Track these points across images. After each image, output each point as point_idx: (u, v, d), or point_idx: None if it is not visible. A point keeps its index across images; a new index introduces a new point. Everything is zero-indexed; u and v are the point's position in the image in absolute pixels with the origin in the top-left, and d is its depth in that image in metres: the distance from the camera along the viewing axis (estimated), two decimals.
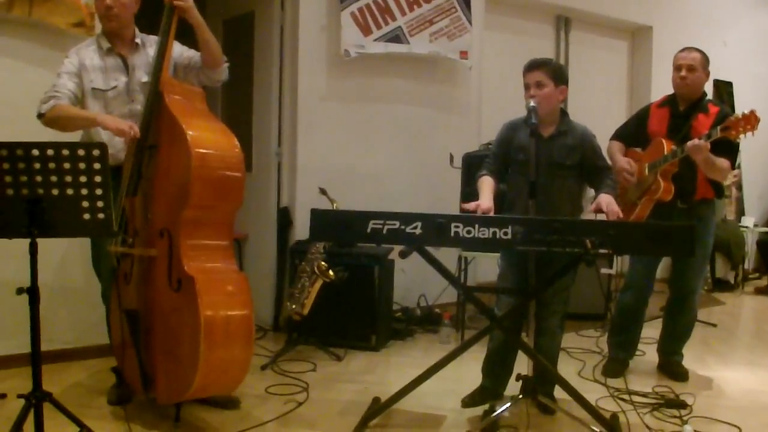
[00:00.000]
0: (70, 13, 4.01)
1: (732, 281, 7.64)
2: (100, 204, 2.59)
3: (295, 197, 5.14)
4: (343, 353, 4.51)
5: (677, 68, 4.01)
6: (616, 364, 4.21)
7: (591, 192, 3.60)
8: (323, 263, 4.32)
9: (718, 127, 3.59)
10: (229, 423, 3.28)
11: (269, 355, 4.35)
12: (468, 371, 3.79)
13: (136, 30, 3.52)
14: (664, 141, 3.92)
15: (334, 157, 5.23)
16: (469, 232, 2.93)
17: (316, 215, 3.10)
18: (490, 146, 3.96)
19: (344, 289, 4.56)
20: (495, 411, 3.19)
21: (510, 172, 3.56)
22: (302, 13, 5.07)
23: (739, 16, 8.38)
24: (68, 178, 2.55)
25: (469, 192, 5.03)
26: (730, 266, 7.61)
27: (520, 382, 3.20)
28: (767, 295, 7.41)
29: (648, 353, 4.52)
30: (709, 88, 4.71)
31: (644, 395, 3.77)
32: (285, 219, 5.16)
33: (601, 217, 3.21)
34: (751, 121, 3.50)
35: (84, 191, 2.57)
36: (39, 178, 2.54)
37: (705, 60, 4.00)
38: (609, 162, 3.78)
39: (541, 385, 3.31)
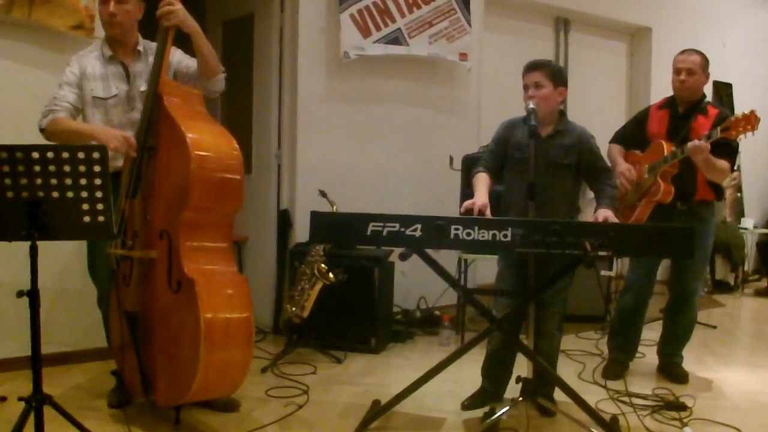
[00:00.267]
0: (70, 15, 4.01)
1: (732, 283, 7.63)
2: (100, 206, 2.59)
3: (294, 199, 5.14)
4: (343, 356, 4.50)
5: (677, 71, 4.02)
6: (616, 366, 4.21)
7: (590, 193, 3.60)
8: (323, 265, 4.32)
9: (719, 128, 3.59)
10: (229, 426, 3.28)
11: (269, 358, 4.36)
12: (468, 373, 3.79)
13: (139, 37, 3.51)
14: (663, 143, 3.92)
15: (333, 159, 5.23)
16: (468, 234, 2.93)
17: (316, 217, 3.10)
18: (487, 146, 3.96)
19: (344, 291, 4.56)
20: (495, 413, 3.19)
21: (507, 171, 3.56)
22: (302, 15, 5.07)
23: (739, 17, 8.38)
24: (68, 181, 2.55)
25: (469, 194, 5.03)
26: (730, 268, 7.61)
27: (520, 384, 3.20)
28: (767, 296, 7.41)
29: (648, 355, 4.52)
30: (708, 89, 4.72)
31: (644, 397, 3.77)
32: (285, 221, 5.16)
33: None
34: (751, 121, 3.50)
35: (84, 194, 2.57)
36: (39, 181, 2.54)
37: (705, 62, 4.01)
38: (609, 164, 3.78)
39: (541, 387, 3.31)
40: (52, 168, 2.53)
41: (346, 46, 5.12)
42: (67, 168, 2.53)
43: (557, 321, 3.52)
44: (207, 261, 3.10)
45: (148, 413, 3.33)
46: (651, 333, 4.60)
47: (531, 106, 3.25)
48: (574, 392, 3.19)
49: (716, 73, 7.05)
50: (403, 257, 3.06)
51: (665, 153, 3.86)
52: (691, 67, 3.97)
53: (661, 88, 4.42)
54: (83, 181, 2.55)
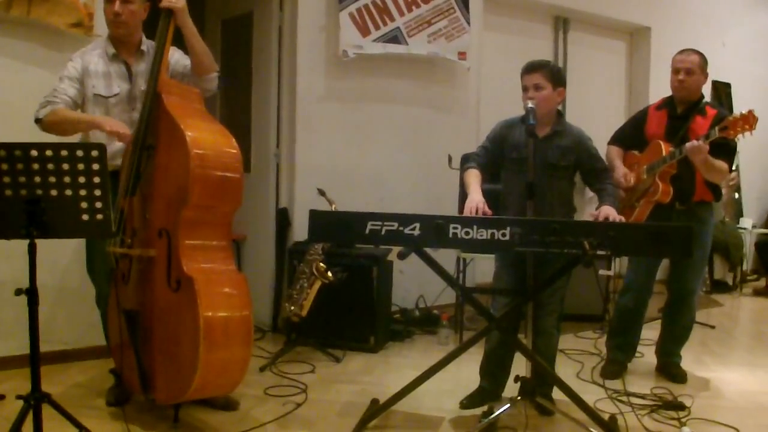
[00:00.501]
0: (69, 13, 4.00)
1: (730, 283, 7.64)
2: (98, 205, 2.59)
3: (293, 198, 5.14)
4: (341, 354, 4.51)
5: (675, 71, 4.02)
6: (615, 366, 4.21)
7: (589, 192, 3.60)
8: (322, 264, 4.32)
9: (717, 128, 3.60)
10: (228, 424, 3.28)
11: (268, 356, 4.36)
12: (466, 372, 3.79)
13: (143, 37, 3.51)
14: (662, 143, 3.93)
15: (332, 158, 5.23)
16: (467, 233, 2.93)
17: (315, 216, 3.10)
18: None
19: (343, 290, 4.57)
20: (493, 412, 3.19)
21: (504, 171, 3.56)
22: (301, 14, 5.07)
23: (738, 17, 8.39)
24: (67, 179, 2.55)
25: (463, 191, 5.04)
26: (729, 268, 7.61)
27: (519, 383, 3.21)
28: (765, 296, 7.42)
29: (646, 355, 4.52)
30: (707, 89, 4.72)
31: (642, 397, 3.77)
32: (283, 220, 5.16)
33: None
34: (749, 120, 3.50)
35: (83, 192, 2.56)
36: (38, 179, 2.54)
37: (703, 62, 4.01)
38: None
39: (540, 386, 3.31)
40: (50, 166, 2.53)
41: (345, 45, 5.12)
42: (65, 166, 2.53)
43: (555, 319, 3.53)
44: (206, 259, 3.10)
45: (147, 412, 3.33)
46: (650, 332, 4.60)
47: (530, 105, 3.25)
48: (572, 391, 3.19)
49: (715, 73, 7.05)
50: (401, 256, 3.06)
51: (663, 153, 3.86)
52: (690, 67, 3.97)
53: (661, 87, 4.42)
54: (82, 180, 2.55)
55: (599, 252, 2.85)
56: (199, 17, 5.67)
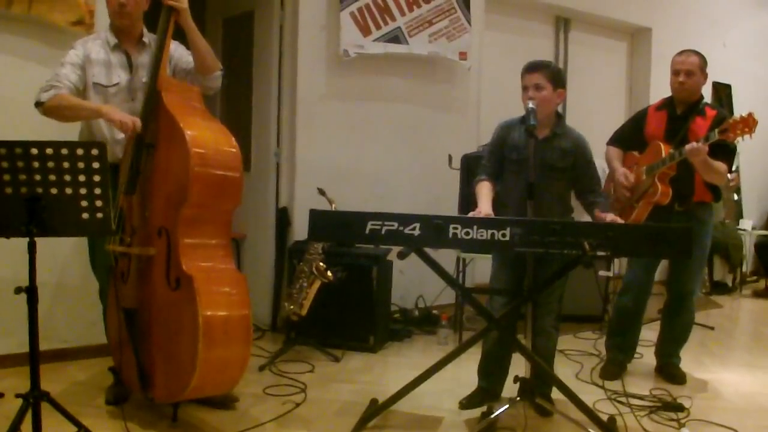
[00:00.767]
0: (70, 11, 4.00)
1: (730, 284, 7.65)
2: (98, 203, 2.58)
3: (293, 197, 5.14)
4: (341, 354, 4.51)
5: (675, 73, 4.01)
6: (614, 367, 4.21)
7: None
8: (321, 264, 4.32)
9: (716, 130, 3.59)
10: (227, 423, 3.28)
11: (267, 356, 4.36)
12: (466, 372, 3.79)
13: (144, 29, 3.51)
14: (661, 144, 3.93)
15: (333, 157, 5.23)
16: (467, 233, 2.93)
17: (315, 215, 3.10)
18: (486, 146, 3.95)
19: (342, 289, 4.57)
20: (493, 413, 3.19)
21: (504, 171, 3.57)
22: (302, 13, 5.07)
23: (739, 18, 8.38)
24: (67, 177, 2.54)
25: (468, 193, 5.04)
26: (728, 269, 7.62)
27: (518, 383, 3.21)
28: (765, 297, 7.43)
29: (645, 356, 4.52)
30: (708, 90, 4.72)
31: (642, 398, 3.77)
32: (283, 219, 5.15)
33: None
34: (748, 123, 3.50)
35: (83, 190, 2.56)
36: (38, 177, 2.53)
37: (703, 63, 4.00)
38: (606, 167, 3.78)
39: (539, 386, 3.31)
40: (50, 164, 2.53)
41: (346, 44, 5.12)
42: (65, 164, 2.53)
43: (553, 319, 3.52)
44: (205, 258, 3.10)
45: (146, 410, 3.33)
46: (649, 333, 4.60)
47: (530, 105, 3.25)
48: (571, 392, 3.19)
49: (716, 74, 7.05)
50: (401, 256, 3.06)
51: (663, 155, 3.86)
52: (690, 69, 3.96)
53: (661, 88, 4.42)
54: (82, 178, 2.55)
55: (599, 253, 2.85)
56: (200, 16, 5.67)
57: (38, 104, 3.26)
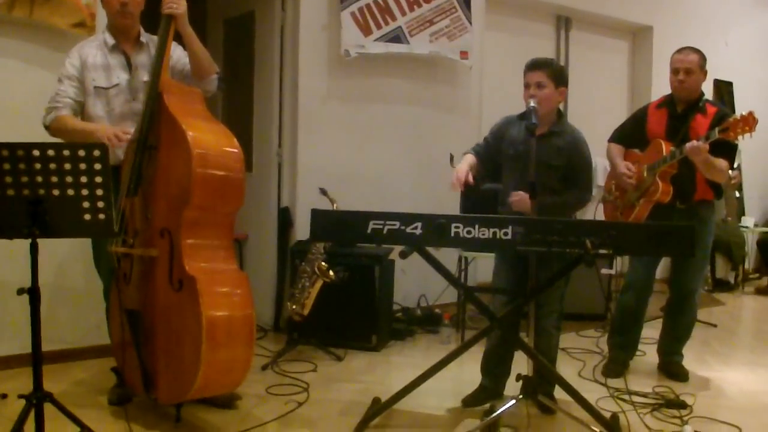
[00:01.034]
0: (71, 14, 4.01)
1: (732, 281, 7.64)
2: (100, 204, 2.59)
3: (295, 197, 5.15)
4: (343, 353, 4.51)
5: (675, 71, 4.01)
6: (617, 365, 4.21)
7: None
8: (324, 263, 4.33)
9: (717, 129, 3.59)
10: (230, 423, 3.28)
11: (270, 356, 4.36)
12: (468, 371, 3.80)
13: (141, 29, 3.52)
14: (662, 142, 3.93)
15: (334, 157, 5.23)
16: (469, 232, 2.93)
17: (317, 215, 3.10)
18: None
19: (345, 289, 4.57)
20: (495, 411, 3.19)
21: (503, 167, 3.57)
22: (303, 13, 5.07)
23: (741, 16, 8.38)
24: (69, 179, 2.55)
25: (468, 191, 5.04)
26: (731, 266, 7.61)
27: (521, 382, 3.21)
28: (767, 295, 7.41)
29: (648, 353, 4.52)
30: (709, 88, 4.72)
31: (644, 395, 3.77)
32: (285, 219, 5.16)
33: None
34: (749, 122, 3.50)
35: (85, 192, 2.57)
36: (40, 179, 2.54)
37: (702, 60, 3.99)
38: (607, 165, 3.77)
39: (542, 385, 3.31)
40: (52, 166, 2.53)
41: (346, 45, 5.12)
42: (68, 166, 2.54)
43: (554, 319, 3.52)
44: (208, 259, 3.11)
45: (149, 411, 3.33)
46: (651, 331, 4.60)
47: (532, 104, 3.25)
48: (574, 390, 3.19)
49: (717, 72, 7.05)
50: (403, 255, 3.06)
51: (664, 153, 3.86)
52: (690, 67, 3.96)
53: (662, 87, 4.42)
54: (84, 179, 2.55)
55: (601, 251, 2.85)
56: (201, 17, 5.69)
57: (46, 128, 3.37)
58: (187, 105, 3.24)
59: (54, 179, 2.54)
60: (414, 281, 5.41)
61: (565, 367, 4.11)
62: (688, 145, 3.66)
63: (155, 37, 3.41)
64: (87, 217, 2.59)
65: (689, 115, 3.97)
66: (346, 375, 4.17)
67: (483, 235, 2.93)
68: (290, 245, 5.08)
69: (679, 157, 3.76)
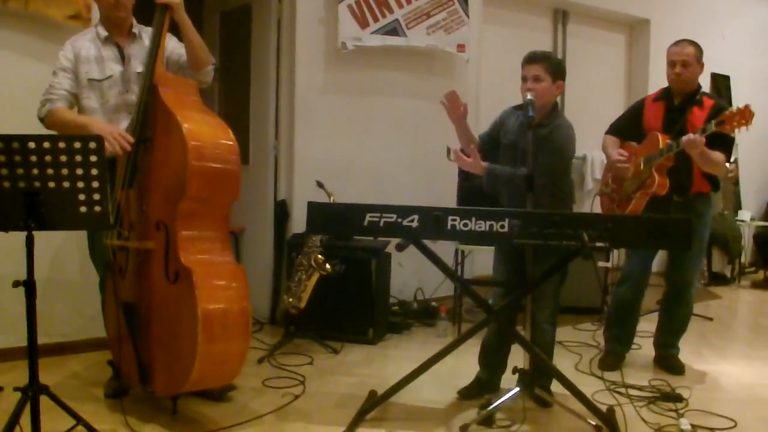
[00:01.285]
0: (67, 5, 4.00)
1: (729, 275, 7.65)
2: (96, 197, 2.58)
3: (292, 190, 5.14)
4: (339, 346, 4.51)
5: (671, 64, 4.00)
6: (613, 358, 4.22)
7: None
8: (320, 256, 4.32)
9: (713, 122, 3.60)
10: (226, 416, 3.28)
11: (266, 348, 4.36)
12: (465, 364, 3.80)
13: (134, 20, 3.51)
14: (659, 135, 3.92)
15: (331, 150, 5.22)
16: (465, 225, 2.94)
17: (313, 208, 3.10)
18: None
19: (341, 282, 4.57)
20: (491, 404, 3.20)
21: (500, 156, 3.58)
22: (299, 6, 5.05)
23: (738, 10, 8.36)
24: (65, 171, 2.54)
25: (467, 186, 5.05)
26: (727, 260, 7.62)
27: (517, 375, 3.21)
28: (764, 288, 7.43)
29: (644, 347, 4.53)
30: (706, 81, 4.72)
31: (640, 388, 3.78)
32: (282, 212, 5.15)
33: None
34: (745, 115, 3.50)
35: (81, 184, 2.56)
36: (35, 171, 2.53)
37: (699, 52, 3.99)
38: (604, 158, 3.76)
39: (538, 378, 3.31)
40: (48, 158, 2.52)
41: (343, 37, 5.11)
42: (63, 158, 2.53)
43: (547, 315, 3.49)
44: (204, 251, 3.10)
45: (145, 403, 3.33)
46: (647, 324, 4.60)
47: (529, 97, 3.25)
48: (570, 383, 3.20)
49: (714, 66, 7.03)
50: (399, 248, 3.06)
51: (660, 146, 3.86)
52: (686, 59, 3.96)
53: (660, 80, 4.41)
54: (80, 172, 2.54)
55: (598, 244, 2.85)
56: (198, 10, 5.66)
57: (41, 120, 3.36)
58: (182, 97, 3.23)
59: (50, 171, 2.53)
60: (411, 274, 5.41)
61: (562, 361, 4.11)
62: (684, 138, 3.66)
63: (148, 29, 3.40)
64: (83, 209, 2.59)
65: (686, 108, 3.97)
66: (342, 368, 4.17)
67: (479, 228, 2.93)
68: (287, 238, 5.07)
69: (675, 149, 3.76)
